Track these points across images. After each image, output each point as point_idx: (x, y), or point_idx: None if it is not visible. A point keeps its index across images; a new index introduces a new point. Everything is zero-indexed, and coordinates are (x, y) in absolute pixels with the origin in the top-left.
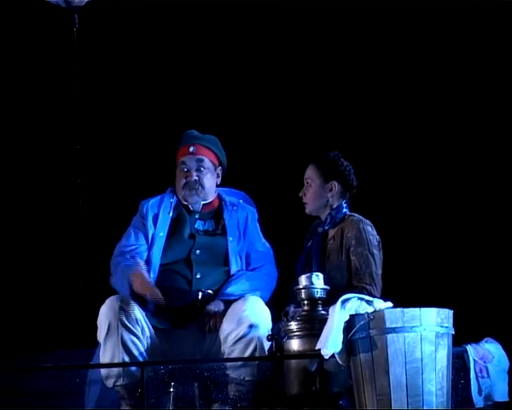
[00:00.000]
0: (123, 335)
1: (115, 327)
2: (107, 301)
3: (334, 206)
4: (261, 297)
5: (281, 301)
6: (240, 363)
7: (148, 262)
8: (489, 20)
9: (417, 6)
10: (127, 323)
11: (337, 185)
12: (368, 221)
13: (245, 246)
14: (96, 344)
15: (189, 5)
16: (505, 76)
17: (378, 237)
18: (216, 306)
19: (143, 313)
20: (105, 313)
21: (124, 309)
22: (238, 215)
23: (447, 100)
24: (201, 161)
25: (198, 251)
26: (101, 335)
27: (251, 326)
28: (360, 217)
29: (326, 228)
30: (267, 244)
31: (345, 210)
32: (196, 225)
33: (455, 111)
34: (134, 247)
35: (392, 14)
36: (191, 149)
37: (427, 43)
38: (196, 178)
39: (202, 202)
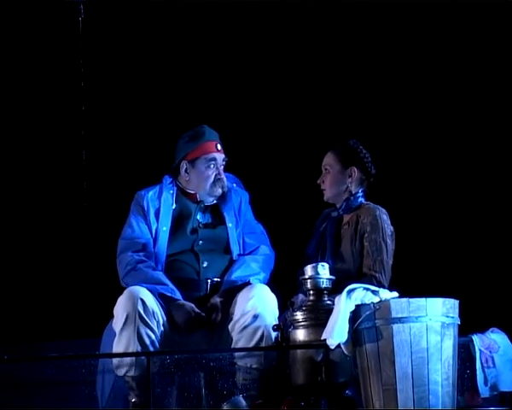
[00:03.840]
0: (139, 327)
1: (132, 319)
2: (127, 292)
3: (353, 192)
4: (264, 279)
5: (288, 290)
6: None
7: (154, 254)
8: (489, 20)
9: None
10: (144, 316)
11: (356, 171)
12: (384, 210)
13: (241, 230)
14: (101, 334)
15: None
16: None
17: (392, 227)
18: (221, 297)
19: (160, 307)
20: (123, 304)
21: (143, 301)
22: (233, 199)
23: (461, 95)
24: (225, 160)
25: (201, 242)
26: (117, 324)
27: (257, 314)
28: (377, 205)
29: (341, 213)
30: (260, 226)
31: (361, 199)
32: (198, 217)
33: (468, 105)
34: (140, 239)
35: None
36: (219, 146)
37: (446, 32)
38: (224, 176)
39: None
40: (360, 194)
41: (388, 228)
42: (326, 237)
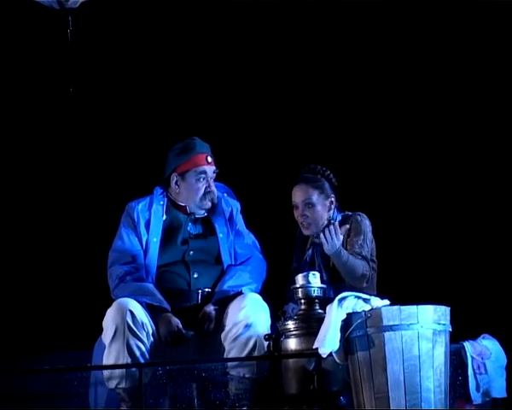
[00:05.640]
0: (129, 339)
1: (122, 331)
2: (115, 304)
3: (331, 217)
4: (256, 289)
5: (280, 300)
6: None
7: (144, 266)
8: (489, 20)
9: (403, 10)
10: (133, 327)
11: (334, 198)
12: (365, 215)
13: (232, 240)
14: (93, 346)
15: (182, 7)
16: (505, 76)
17: (372, 235)
18: (213, 307)
19: (149, 318)
20: (112, 316)
21: (131, 313)
22: (223, 209)
23: (439, 96)
24: (215, 172)
25: (192, 252)
26: (106, 337)
27: (250, 324)
28: (356, 212)
29: None
30: (252, 236)
31: (338, 216)
32: (189, 228)
33: (449, 106)
34: (130, 251)
35: (371, 25)
36: (209, 159)
37: (410, 44)
38: (214, 189)
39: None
40: (336, 213)
41: (370, 232)
42: (319, 265)
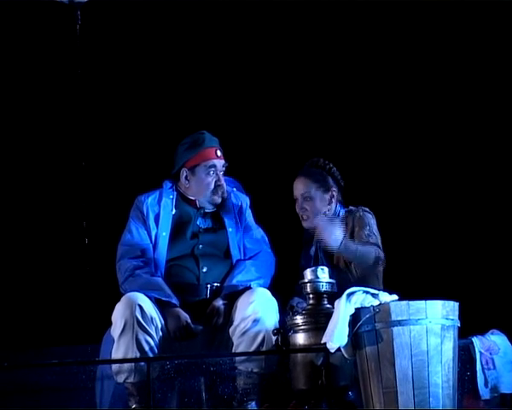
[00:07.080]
0: (138, 334)
1: (131, 325)
2: (124, 299)
3: (332, 212)
4: (264, 284)
5: (288, 296)
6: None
7: (154, 260)
8: (489, 20)
9: (408, 5)
10: (142, 322)
11: (336, 192)
12: (367, 209)
13: (241, 234)
14: (101, 340)
15: (190, 3)
16: (505, 76)
17: (377, 229)
18: (222, 301)
19: (158, 312)
20: (121, 311)
21: (140, 307)
22: (233, 204)
23: (444, 90)
24: (225, 166)
25: (201, 246)
26: (115, 331)
27: (258, 318)
28: (359, 207)
29: None
30: (261, 231)
31: (341, 211)
32: (198, 222)
33: (455, 100)
34: (139, 245)
35: (375, 21)
36: (219, 153)
37: (412, 41)
38: (224, 183)
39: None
40: (339, 208)
41: (375, 225)
42: (321, 261)
